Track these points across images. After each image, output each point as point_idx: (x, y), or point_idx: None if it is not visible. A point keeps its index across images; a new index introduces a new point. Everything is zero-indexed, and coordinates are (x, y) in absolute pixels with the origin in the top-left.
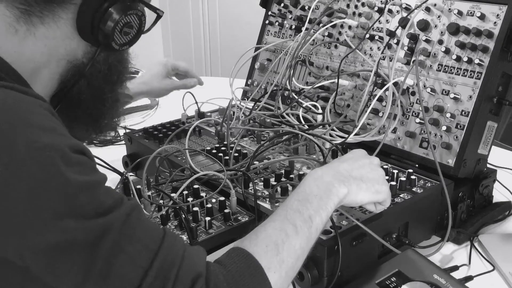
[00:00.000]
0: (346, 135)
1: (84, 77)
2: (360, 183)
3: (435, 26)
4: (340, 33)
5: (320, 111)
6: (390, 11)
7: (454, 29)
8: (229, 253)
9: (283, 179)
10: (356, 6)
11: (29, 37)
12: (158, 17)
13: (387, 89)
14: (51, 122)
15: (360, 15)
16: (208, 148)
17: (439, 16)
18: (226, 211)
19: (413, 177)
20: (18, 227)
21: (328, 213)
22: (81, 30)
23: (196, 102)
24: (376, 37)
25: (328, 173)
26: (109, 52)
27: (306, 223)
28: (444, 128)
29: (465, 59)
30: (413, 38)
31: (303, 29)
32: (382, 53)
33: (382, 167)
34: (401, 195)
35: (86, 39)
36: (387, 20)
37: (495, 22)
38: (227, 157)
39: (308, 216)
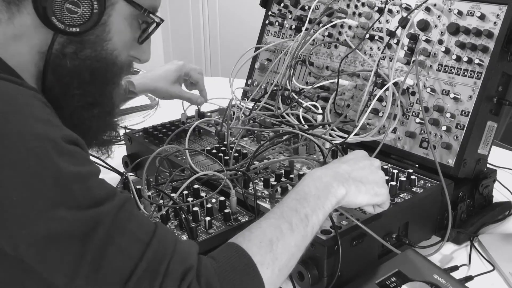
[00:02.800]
0: (346, 135)
1: (52, 71)
2: (359, 185)
3: (435, 26)
4: (340, 33)
5: (320, 111)
6: (390, 11)
7: (454, 29)
8: (222, 248)
9: (283, 179)
10: (356, 6)
11: (10, 26)
12: (157, 25)
13: (387, 89)
14: (45, 113)
15: (360, 15)
16: (208, 148)
17: (439, 16)
18: (226, 211)
19: (413, 177)
20: (11, 217)
21: (325, 213)
22: (37, 13)
23: None
24: (376, 37)
25: (327, 173)
26: (72, 41)
27: (302, 221)
28: (444, 128)
29: (465, 59)
30: (413, 38)
31: (303, 29)
32: (382, 53)
33: (382, 167)
34: (401, 195)
35: (45, 24)
36: (387, 20)
37: (495, 22)
38: (227, 157)
39: (305, 215)
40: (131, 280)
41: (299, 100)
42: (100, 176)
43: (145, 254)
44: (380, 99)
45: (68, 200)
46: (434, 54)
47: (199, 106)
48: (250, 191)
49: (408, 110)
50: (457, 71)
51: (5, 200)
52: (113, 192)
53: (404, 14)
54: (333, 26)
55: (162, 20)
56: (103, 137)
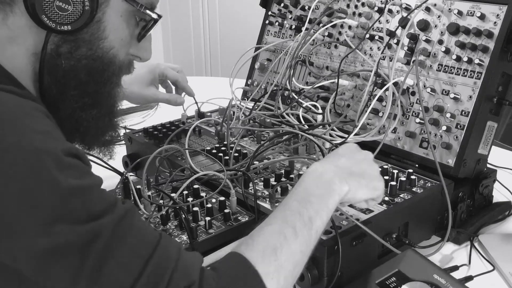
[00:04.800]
0: (346, 135)
1: (48, 72)
2: (360, 180)
3: (435, 26)
4: (340, 33)
5: (320, 111)
6: (390, 11)
7: (454, 29)
8: (225, 258)
9: (283, 179)
10: (356, 6)
11: (4, 28)
12: (155, 21)
13: (387, 89)
14: (45, 125)
15: (360, 15)
16: (208, 148)
17: (439, 16)
18: (226, 211)
19: (413, 177)
20: (10, 231)
21: (329, 212)
22: (28, 12)
23: (196, 102)
24: (376, 37)
25: (329, 169)
26: (66, 40)
27: (306, 225)
28: (444, 128)
29: (465, 59)
30: (413, 38)
31: (303, 29)
32: (382, 53)
33: (382, 167)
34: (401, 195)
35: (36, 23)
36: (387, 20)
37: (495, 22)
38: (227, 157)
39: (308, 218)
40: None
41: (299, 100)
42: (101, 175)
43: (145, 269)
44: (380, 99)
45: (67, 214)
46: (434, 54)
47: (199, 107)
48: (250, 191)
49: (408, 110)
50: (457, 71)
51: (3, 213)
52: (114, 204)
53: (404, 14)
54: (333, 26)
55: (159, 16)
56: (104, 137)
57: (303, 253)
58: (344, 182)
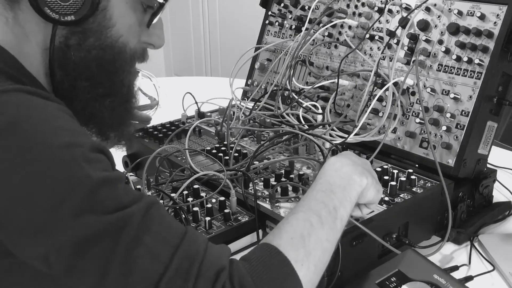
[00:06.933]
0: (346, 135)
1: (59, 66)
2: (372, 178)
3: (435, 26)
4: (340, 33)
5: (320, 111)
6: (390, 11)
7: (454, 29)
8: (253, 249)
9: (283, 179)
10: (356, 6)
11: (16, 25)
12: (161, 5)
13: (387, 89)
14: (71, 124)
15: (360, 15)
16: (208, 148)
17: (439, 16)
18: (226, 211)
19: (413, 177)
20: (41, 229)
21: (352, 203)
22: (32, 7)
23: (196, 102)
24: (376, 37)
25: (347, 163)
26: (74, 32)
27: (331, 214)
28: (444, 128)
29: (465, 59)
30: (413, 38)
31: (303, 29)
32: (382, 53)
33: (382, 167)
34: (401, 195)
35: (42, 16)
36: (387, 20)
37: (495, 22)
38: (227, 157)
39: (333, 207)
40: (162, 283)
41: (299, 100)
42: None
43: (175, 256)
44: (380, 99)
45: (96, 205)
46: (434, 54)
47: (199, 107)
48: (250, 191)
49: (408, 110)
50: (457, 71)
51: (35, 209)
52: (140, 195)
53: (404, 14)
54: (333, 26)
55: (165, 0)
56: (122, 128)
57: (329, 241)
58: (362, 176)
